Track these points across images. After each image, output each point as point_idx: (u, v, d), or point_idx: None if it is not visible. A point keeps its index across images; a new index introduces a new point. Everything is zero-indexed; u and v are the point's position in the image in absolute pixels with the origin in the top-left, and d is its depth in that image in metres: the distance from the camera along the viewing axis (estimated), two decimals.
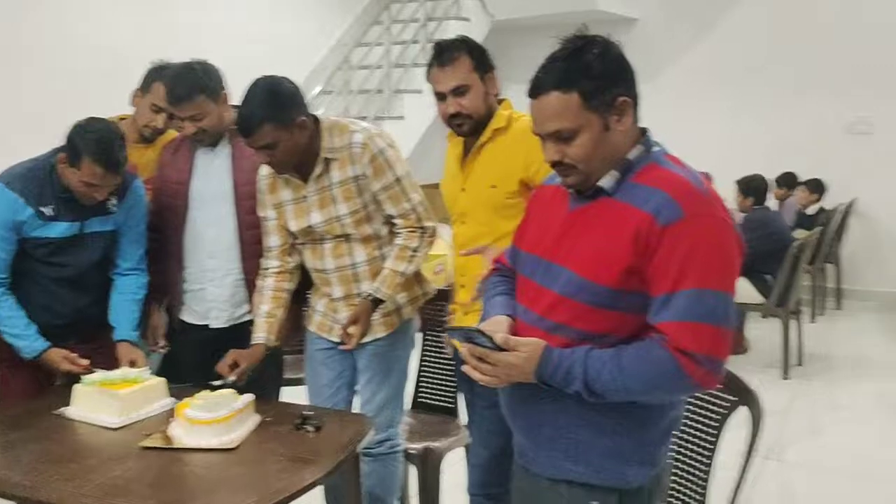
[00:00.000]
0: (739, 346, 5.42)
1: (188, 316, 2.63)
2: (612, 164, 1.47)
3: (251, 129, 2.21)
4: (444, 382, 2.90)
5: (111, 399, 2.16)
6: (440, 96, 2.23)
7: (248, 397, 2.14)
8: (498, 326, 1.57)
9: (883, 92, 6.65)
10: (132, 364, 2.41)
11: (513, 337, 1.51)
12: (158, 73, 2.77)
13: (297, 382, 2.86)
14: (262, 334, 2.40)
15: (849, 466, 3.66)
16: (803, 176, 6.59)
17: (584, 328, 1.47)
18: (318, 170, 2.35)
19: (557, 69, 1.46)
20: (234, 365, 2.31)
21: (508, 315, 1.63)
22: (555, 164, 1.51)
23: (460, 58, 2.19)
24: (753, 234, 5.01)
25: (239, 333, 2.48)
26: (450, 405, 2.88)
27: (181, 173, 2.57)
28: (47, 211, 2.36)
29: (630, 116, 1.47)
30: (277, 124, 2.21)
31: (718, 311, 1.40)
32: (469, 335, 1.53)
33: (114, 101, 2.93)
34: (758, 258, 4.92)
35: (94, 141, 2.28)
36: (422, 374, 2.95)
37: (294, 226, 2.42)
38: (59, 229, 2.39)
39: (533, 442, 1.59)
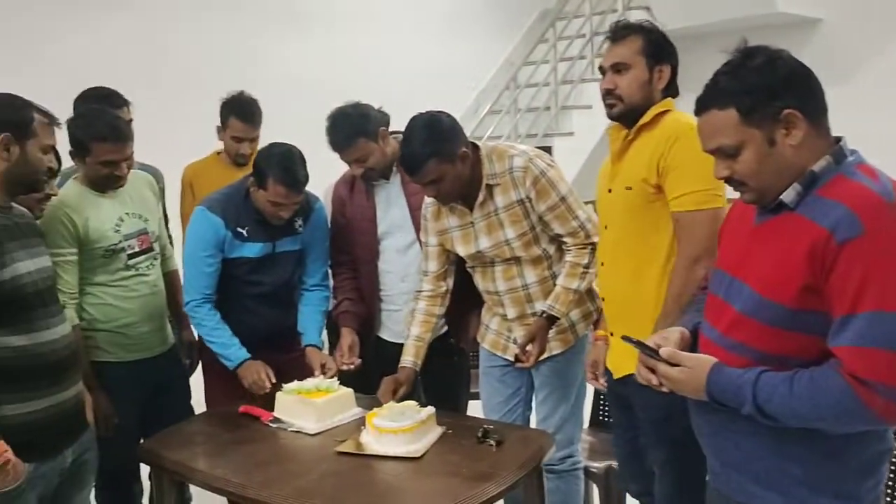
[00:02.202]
0: None
1: (386, 334, 2.78)
2: (790, 177, 1.42)
3: (416, 168, 2.29)
4: None
5: (309, 407, 2.32)
6: (602, 71, 2.13)
7: (430, 409, 2.22)
8: (665, 339, 1.57)
9: None
10: (323, 367, 2.57)
11: (679, 352, 1.51)
12: (229, 107, 3.22)
13: (474, 396, 2.93)
14: (410, 358, 2.51)
15: None
16: None
17: (764, 349, 1.43)
18: (481, 196, 2.40)
19: (716, 86, 1.46)
20: (395, 391, 2.42)
21: (687, 329, 1.62)
22: (726, 181, 1.50)
23: (630, 36, 2.07)
24: None
25: (441, 344, 2.60)
26: None
27: (365, 210, 2.71)
28: (243, 232, 2.58)
29: (801, 129, 1.41)
30: (441, 159, 2.27)
31: None
32: (639, 346, 1.55)
33: (287, 127, 3.09)
34: None
35: (277, 163, 2.48)
36: (599, 391, 2.92)
37: (462, 251, 2.49)
38: (255, 249, 2.61)
39: (721, 462, 1.56)
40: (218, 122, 3.31)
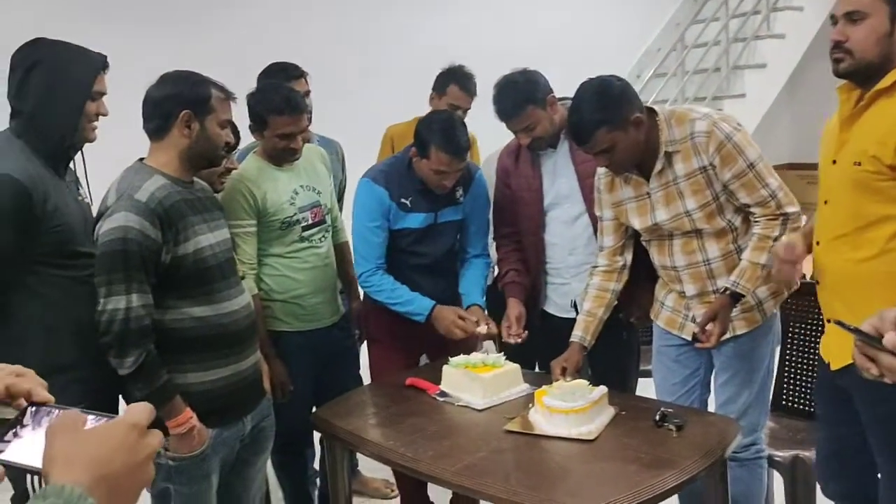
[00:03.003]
0: None
1: (552, 308, 2.69)
2: None
3: (586, 137, 2.16)
4: (810, 384, 2.61)
5: (476, 382, 2.28)
6: (833, 20, 1.88)
7: (602, 389, 2.12)
8: (882, 321, 1.36)
9: None
10: (488, 330, 2.53)
11: None
12: (451, 76, 3.30)
13: (644, 374, 2.79)
14: (579, 332, 2.41)
15: None
16: None
17: None
18: (659, 165, 2.23)
19: None
20: (564, 371, 2.33)
21: None
22: None
23: None
24: None
25: (609, 319, 2.47)
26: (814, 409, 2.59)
27: (531, 180, 2.60)
28: (407, 202, 2.57)
29: None
30: (612, 127, 2.13)
31: None
32: (857, 333, 1.35)
33: None
34: None
35: (439, 130, 2.45)
36: (784, 373, 2.70)
37: (638, 224, 2.34)
38: (418, 220, 2.60)
39: None
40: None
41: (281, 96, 2.46)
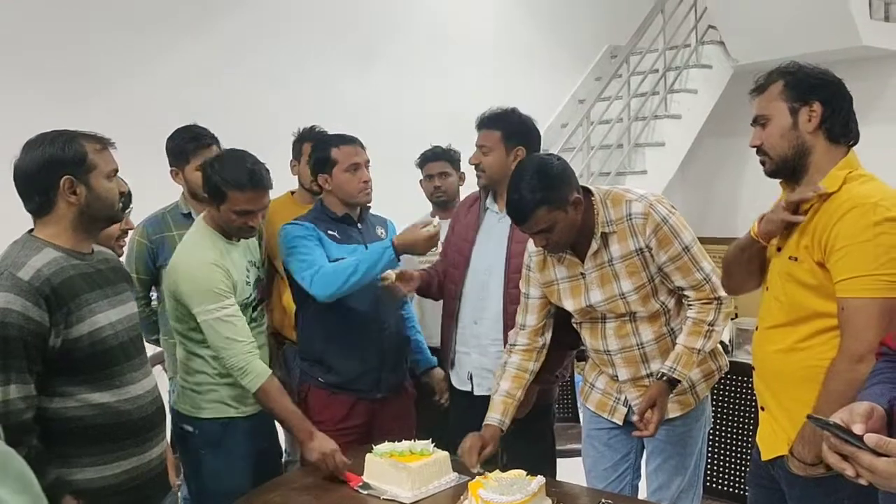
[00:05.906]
0: None
1: (455, 380, 2.65)
2: None
3: (525, 216, 2.12)
4: (737, 466, 2.61)
5: (403, 472, 2.13)
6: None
7: (540, 480, 2.01)
8: (850, 413, 1.31)
9: None
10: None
11: (890, 440, 1.23)
12: (302, 138, 3.13)
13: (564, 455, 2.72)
14: (496, 415, 2.30)
15: None
16: None
17: None
18: (594, 246, 2.21)
19: None
20: (481, 450, 2.22)
21: (881, 405, 1.36)
22: None
23: (770, 85, 1.82)
24: None
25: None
26: (745, 493, 2.57)
27: (462, 243, 2.60)
28: (335, 234, 2.52)
29: None
30: (552, 207, 2.10)
31: None
32: (835, 429, 1.28)
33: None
34: None
35: (333, 137, 2.56)
36: (711, 455, 2.67)
37: (571, 305, 2.30)
38: (350, 251, 2.50)
39: None
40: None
41: (244, 169, 2.22)
